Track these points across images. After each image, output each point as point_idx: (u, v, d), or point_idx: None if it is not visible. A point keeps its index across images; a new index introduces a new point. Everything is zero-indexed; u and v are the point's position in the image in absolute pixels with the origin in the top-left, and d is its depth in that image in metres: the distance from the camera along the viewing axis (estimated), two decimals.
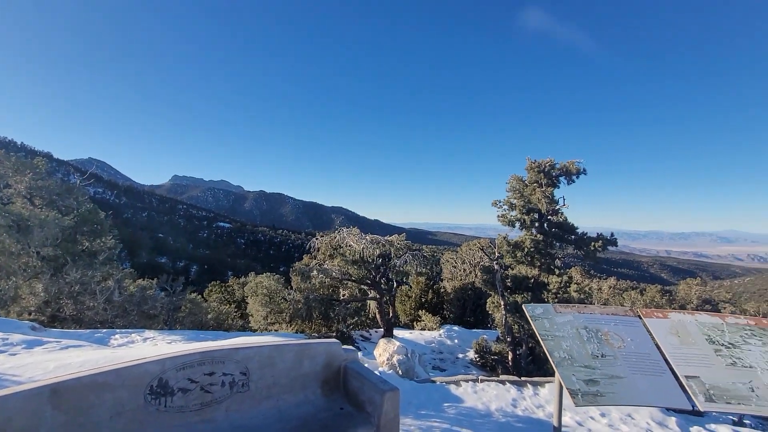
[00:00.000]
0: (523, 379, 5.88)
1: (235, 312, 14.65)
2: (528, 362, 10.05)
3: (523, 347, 10.27)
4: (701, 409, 2.90)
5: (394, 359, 6.81)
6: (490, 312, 11.49)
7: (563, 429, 4.58)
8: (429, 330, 14.00)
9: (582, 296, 9.90)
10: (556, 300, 9.53)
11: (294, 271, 11.59)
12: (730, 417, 8.63)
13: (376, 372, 6.29)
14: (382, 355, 7.03)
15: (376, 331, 12.64)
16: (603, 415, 4.82)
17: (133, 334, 8.43)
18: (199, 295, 14.71)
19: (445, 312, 18.58)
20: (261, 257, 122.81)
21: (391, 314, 11.59)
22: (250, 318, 14.17)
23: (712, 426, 4.78)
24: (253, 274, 17.92)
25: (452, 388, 5.56)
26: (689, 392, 3.02)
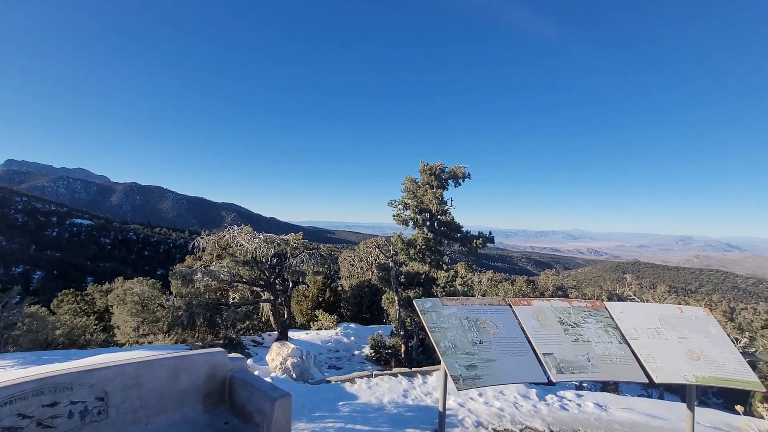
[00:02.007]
0: (413, 369, 6.22)
1: (96, 325, 12.41)
2: (419, 353, 10.71)
3: (415, 339, 10.91)
4: (554, 381, 3.43)
5: (288, 363, 6.57)
6: (385, 308, 11.92)
7: (448, 412, 4.96)
8: (326, 329, 13.91)
9: (465, 289, 10.95)
10: (443, 293, 10.34)
11: (174, 274, 10.30)
12: (574, 383, 10.50)
13: (268, 378, 5.97)
14: (275, 359, 6.72)
15: (269, 335, 12.03)
16: (480, 394, 5.38)
17: None
18: (44, 308, 12.06)
19: (342, 310, 18.69)
20: (132, 259, 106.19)
21: (286, 316, 11.16)
22: (116, 330, 12.17)
23: (561, 392, 5.72)
24: (120, 279, 15.45)
25: (347, 386, 5.58)
26: (545, 367, 3.55)
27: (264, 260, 10.31)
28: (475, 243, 10.89)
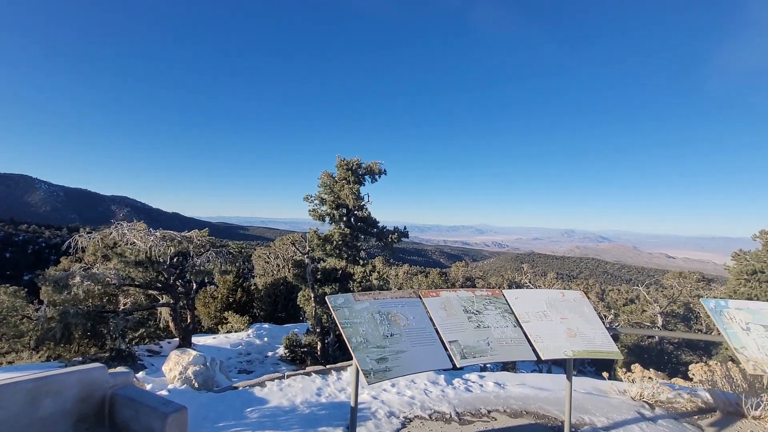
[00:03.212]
0: (328, 367, 6.13)
1: None
2: (335, 349, 10.64)
3: (331, 336, 10.81)
4: (458, 366, 3.64)
5: (189, 371, 5.98)
6: (301, 305, 11.62)
7: (361, 405, 4.99)
8: (236, 332, 13.05)
9: (381, 283, 11.17)
10: (360, 288, 10.41)
11: (44, 279, 8.66)
12: (479, 365, 11.38)
13: (163, 392, 5.36)
14: (174, 369, 6.06)
15: (169, 342, 10.87)
16: (393, 385, 5.51)
17: None
18: None
19: (255, 310, 17.74)
20: None
21: (189, 320, 10.16)
22: None
23: (467, 375, 6.15)
24: None
25: (256, 390, 5.27)
26: (451, 354, 3.75)
27: (162, 260, 9.22)
28: (391, 238, 11.17)
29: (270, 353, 10.85)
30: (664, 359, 19.29)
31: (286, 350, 10.61)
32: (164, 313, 10.15)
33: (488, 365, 13.17)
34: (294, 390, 5.35)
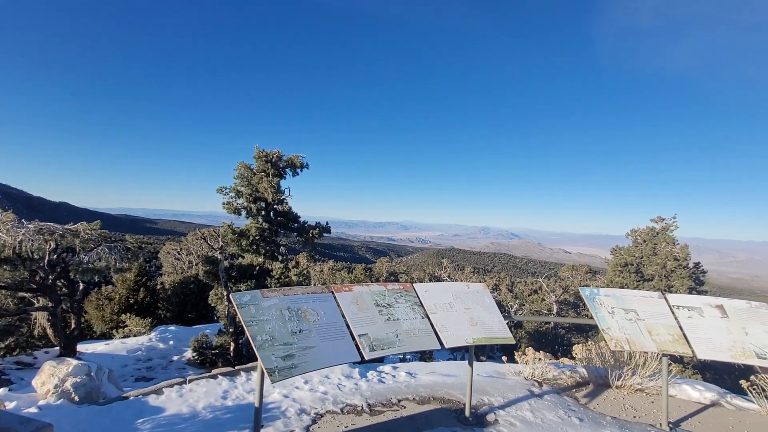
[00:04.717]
0: (237, 368, 5.80)
1: None
2: (249, 349, 10.14)
3: (246, 335, 10.28)
4: (366, 358, 3.68)
5: (68, 384, 5.21)
6: (213, 305, 10.85)
7: (271, 405, 4.81)
8: (136, 336, 11.74)
9: (301, 279, 10.91)
10: (278, 285, 10.03)
11: None
12: (398, 357, 11.71)
13: (31, 409, 4.59)
14: (47, 382, 5.23)
15: (46, 352, 9.36)
16: (306, 382, 5.41)
17: None
18: None
19: (160, 311, 16.13)
20: None
21: (74, 326, 8.84)
22: None
23: (381, 367, 6.28)
24: None
25: (151, 399, 4.78)
26: (360, 347, 3.78)
27: (37, 257, 7.85)
28: (313, 233, 10.95)
29: (176, 357, 9.95)
30: (558, 342, 21.91)
31: (195, 353, 9.82)
32: (40, 318, 8.69)
33: (407, 356, 13.66)
34: (196, 395, 4.96)
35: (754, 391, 4.78)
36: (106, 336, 13.35)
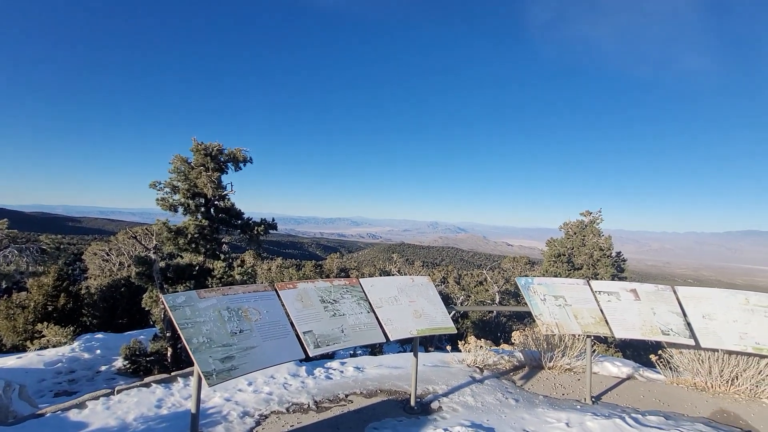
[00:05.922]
0: (173, 374, 5.45)
1: None
2: (188, 354, 9.59)
3: None
4: (311, 355, 3.64)
5: None
6: (147, 308, 10.08)
7: (212, 410, 4.59)
8: (55, 346, 10.57)
9: (246, 278, 10.48)
10: (220, 284, 9.56)
11: None
12: (349, 352, 11.65)
13: None
14: None
15: None
16: (250, 383, 5.22)
17: None
18: None
19: (85, 318, 14.67)
20: None
21: None
22: None
23: (328, 364, 6.23)
24: None
25: (71, 414, 4.35)
26: (305, 344, 3.72)
27: None
28: (258, 230, 10.56)
29: (104, 368, 9.12)
30: (500, 329, 23.21)
31: (126, 362, 9.07)
32: None
33: (357, 351, 13.70)
34: (126, 406, 4.59)
35: (661, 364, 5.41)
36: (18, 349, 11.86)
